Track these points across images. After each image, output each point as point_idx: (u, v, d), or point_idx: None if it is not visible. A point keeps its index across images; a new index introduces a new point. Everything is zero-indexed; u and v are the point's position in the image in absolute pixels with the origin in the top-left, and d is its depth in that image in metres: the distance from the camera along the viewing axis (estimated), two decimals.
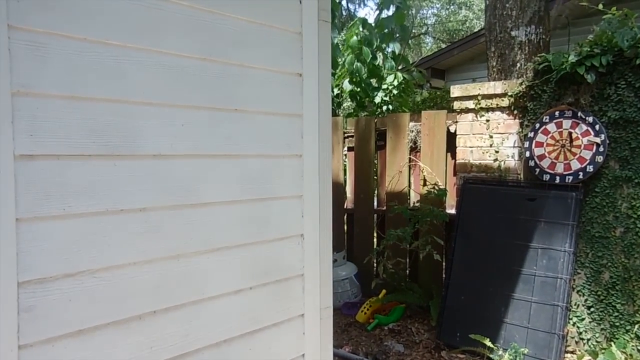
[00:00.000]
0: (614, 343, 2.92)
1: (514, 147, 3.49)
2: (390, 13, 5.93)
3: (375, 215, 4.45)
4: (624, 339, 2.92)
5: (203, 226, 1.48)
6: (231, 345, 1.56)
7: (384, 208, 4.32)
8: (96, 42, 1.24)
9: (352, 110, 6.44)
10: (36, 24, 1.14)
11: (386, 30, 5.78)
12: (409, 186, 4.25)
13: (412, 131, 4.38)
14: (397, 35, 5.92)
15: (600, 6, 3.24)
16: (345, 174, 4.90)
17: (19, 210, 1.12)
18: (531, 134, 3.31)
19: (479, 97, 3.61)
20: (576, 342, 3.13)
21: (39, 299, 1.16)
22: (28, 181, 1.14)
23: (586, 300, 3.10)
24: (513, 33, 4.00)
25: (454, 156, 3.91)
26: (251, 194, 1.60)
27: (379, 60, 5.83)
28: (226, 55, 1.52)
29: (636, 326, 2.89)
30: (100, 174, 1.25)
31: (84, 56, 1.22)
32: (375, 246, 4.44)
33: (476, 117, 3.65)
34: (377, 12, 6.01)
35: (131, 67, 1.31)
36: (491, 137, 3.57)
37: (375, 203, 4.56)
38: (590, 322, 3.08)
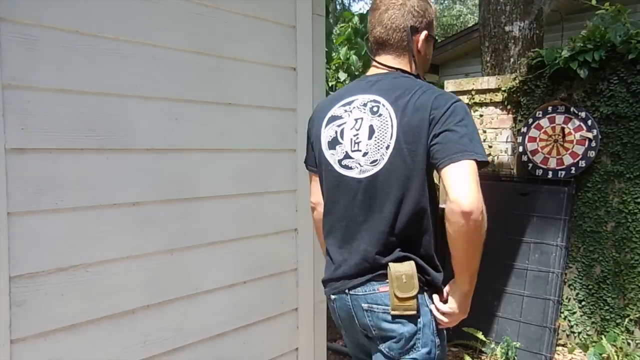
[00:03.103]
0: (605, 336, 2.96)
1: (507, 142, 3.50)
2: None
3: None
4: (615, 332, 2.96)
5: (197, 220, 1.47)
6: (225, 340, 1.56)
7: None
8: (88, 34, 1.23)
9: None
10: (27, 16, 1.13)
11: None
12: None
13: None
14: None
15: (594, 2, 3.25)
16: None
17: (10, 204, 1.11)
18: (524, 129, 3.32)
19: (473, 92, 3.61)
20: (567, 336, 3.17)
21: (30, 293, 1.15)
22: (19, 175, 1.13)
23: (577, 294, 3.13)
24: (507, 28, 4.00)
25: None
26: (245, 189, 1.60)
27: None
28: (220, 49, 1.51)
29: (626, 320, 2.92)
30: (92, 168, 1.25)
31: (75, 49, 1.21)
32: None
33: (470, 112, 3.66)
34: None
35: (124, 60, 1.30)
36: (485, 132, 3.58)
37: None
38: (581, 315, 3.11)
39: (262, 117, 1.64)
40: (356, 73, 5.83)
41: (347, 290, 1.30)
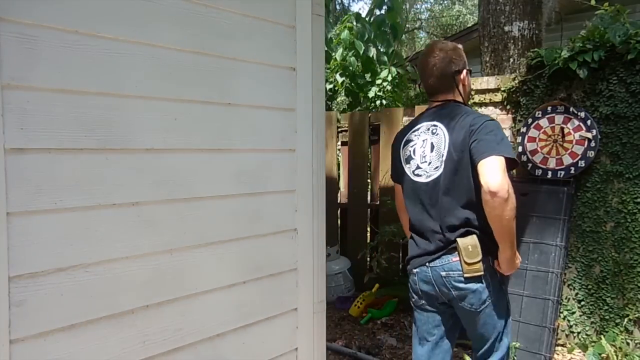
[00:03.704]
0: (604, 336, 2.96)
1: None
2: (383, 12, 5.91)
3: (369, 209, 4.46)
4: (614, 332, 2.96)
5: (196, 220, 1.47)
6: (224, 340, 1.56)
7: (378, 202, 4.33)
8: (87, 34, 1.23)
9: (346, 105, 6.43)
10: (26, 16, 1.13)
11: (382, 29, 5.77)
12: None
13: None
14: (389, 32, 5.89)
15: (593, 2, 3.26)
16: (339, 169, 4.90)
17: (9, 204, 1.11)
18: (524, 129, 3.32)
19: (472, 92, 3.61)
20: (567, 336, 3.17)
21: (30, 293, 1.15)
22: (19, 175, 1.13)
23: (577, 294, 3.13)
24: (506, 28, 4.01)
25: None
26: (244, 189, 1.60)
27: (372, 53, 5.81)
28: (219, 49, 1.51)
29: (626, 319, 2.93)
30: (92, 168, 1.25)
31: (75, 49, 1.20)
32: (368, 240, 4.45)
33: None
34: (370, 9, 5.97)
35: (123, 60, 1.30)
36: None
37: (369, 197, 4.57)
38: (580, 315, 3.12)
39: (262, 117, 1.64)
40: (354, 73, 5.83)
41: (427, 264, 1.77)
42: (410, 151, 1.86)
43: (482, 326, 1.76)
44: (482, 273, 1.67)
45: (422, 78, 1.90)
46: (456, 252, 1.69)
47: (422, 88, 1.92)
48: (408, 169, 1.85)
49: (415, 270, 1.82)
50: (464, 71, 1.86)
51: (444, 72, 1.82)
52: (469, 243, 1.67)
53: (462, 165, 1.68)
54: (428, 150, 1.78)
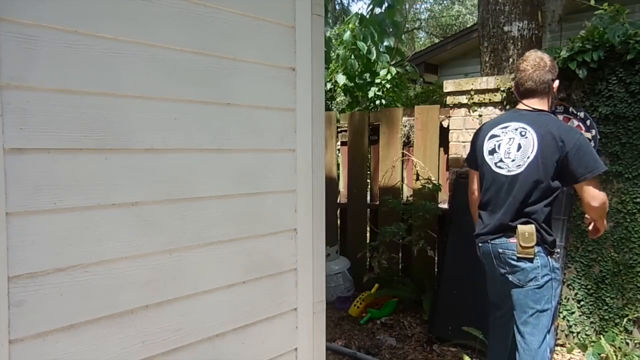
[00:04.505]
0: (604, 336, 2.96)
1: None
2: (382, 10, 5.91)
3: (369, 209, 4.46)
4: (613, 332, 2.96)
5: (196, 220, 1.47)
6: (224, 340, 1.56)
7: (377, 203, 4.33)
8: (87, 34, 1.22)
9: (345, 105, 6.43)
10: (25, 15, 1.13)
11: (380, 28, 5.77)
12: (402, 181, 4.26)
13: (405, 126, 4.38)
14: (390, 30, 5.90)
15: (593, 2, 3.26)
16: (338, 169, 4.90)
17: (9, 204, 1.11)
18: None
19: (472, 92, 3.62)
20: (566, 335, 3.17)
21: (29, 293, 1.15)
22: (18, 175, 1.12)
23: (576, 294, 3.13)
24: (506, 28, 4.00)
25: (446, 151, 3.92)
26: (244, 189, 1.60)
27: (374, 55, 5.81)
28: (219, 49, 1.51)
29: (625, 319, 2.93)
30: (91, 168, 1.24)
31: (74, 49, 1.20)
32: (368, 241, 4.45)
33: (469, 112, 3.66)
34: (369, 9, 5.96)
35: (123, 60, 1.29)
36: None
37: (369, 198, 4.57)
38: (580, 315, 3.12)
39: (262, 117, 1.64)
40: (355, 74, 5.83)
41: (489, 241, 2.14)
42: (495, 145, 2.15)
43: (523, 298, 2.07)
44: (532, 256, 2.00)
45: (519, 81, 2.15)
46: (514, 236, 2.04)
47: (514, 92, 2.21)
48: (490, 160, 2.15)
49: (480, 244, 2.21)
50: (557, 81, 2.16)
51: (543, 78, 2.10)
52: (527, 230, 2.00)
53: (546, 172, 2.00)
54: (514, 149, 2.07)
